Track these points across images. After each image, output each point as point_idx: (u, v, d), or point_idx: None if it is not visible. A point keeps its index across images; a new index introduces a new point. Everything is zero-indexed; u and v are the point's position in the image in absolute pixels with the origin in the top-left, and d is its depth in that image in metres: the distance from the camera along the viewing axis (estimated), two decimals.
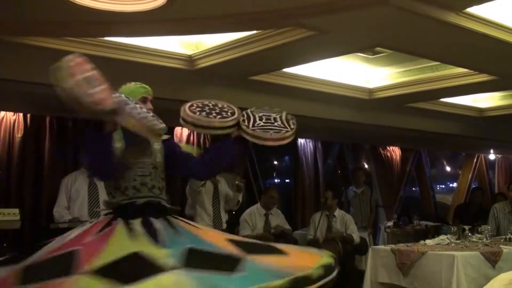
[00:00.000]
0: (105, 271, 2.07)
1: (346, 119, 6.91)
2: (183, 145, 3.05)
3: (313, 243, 6.50)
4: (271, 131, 2.83)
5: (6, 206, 5.10)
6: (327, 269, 2.37)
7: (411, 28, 4.12)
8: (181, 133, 7.03)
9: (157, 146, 2.78)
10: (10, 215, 4.55)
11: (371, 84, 6.46)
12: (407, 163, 9.99)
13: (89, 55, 4.58)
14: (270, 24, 4.16)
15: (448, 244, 5.13)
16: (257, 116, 2.93)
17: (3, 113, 5.90)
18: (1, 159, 5.83)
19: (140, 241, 2.31)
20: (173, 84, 5.33)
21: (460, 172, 11.62)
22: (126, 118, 2.51)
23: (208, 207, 5.52)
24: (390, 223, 8.43)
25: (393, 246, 5.20)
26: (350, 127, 7.21)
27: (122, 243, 2.29)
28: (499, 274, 1.25)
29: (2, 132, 5.86)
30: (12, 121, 5.94)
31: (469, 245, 5.06)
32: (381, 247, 5.62)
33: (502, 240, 5.46)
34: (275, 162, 10.24)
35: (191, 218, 5.63)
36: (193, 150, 3.07)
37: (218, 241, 2.44)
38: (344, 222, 6.58)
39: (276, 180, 10.35)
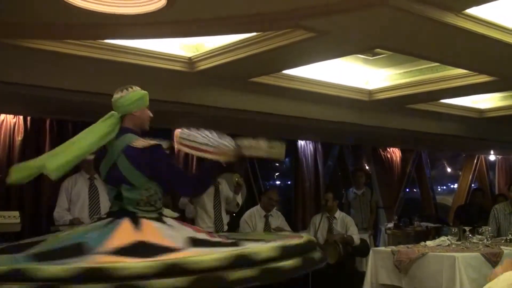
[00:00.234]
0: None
1: (346, 120, 6.91)
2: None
3: None
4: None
5: (6, 209, 5.10)
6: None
7: (410, 29, 4.12)
8: None
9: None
10: (11, 218, 4.55)
11: (371, 86, 6.46)
12: (407, 164, 9.99)
13: (89, 57, 4.65)
14: (270, 26, 4.16)
15: (448, 245, 5.13)
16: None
17: (3, 116, 5.90)
18: (1, 162, 5.83)
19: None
20: (173, 86, 5.34)
21: (460, 173, 11.62)
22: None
23: (209, 209, 5.53)
24: (391, 225, 8.43)
25: (393, 247, 5.20)
26: (350, 128, 7.21)
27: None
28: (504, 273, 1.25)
29: (2, 135, 5.86)
30: (12, 124, 5.94)
31: (470, 246, 5.06)
32: (382, 248, 5.63)
33: (503, 241, 5.47)
34: (275, 164, 10.24)
35: (192, 220, 5.63)
36: None
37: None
38: (345, 223, 6.58)
39: (276, 182, 10.35)
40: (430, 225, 8.45)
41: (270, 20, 3.93)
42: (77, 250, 2.41)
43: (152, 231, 2.59)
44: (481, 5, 3.78)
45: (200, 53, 5.05)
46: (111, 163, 2.80)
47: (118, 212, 2.76)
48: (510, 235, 5.52)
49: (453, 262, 4.49)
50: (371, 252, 5.29)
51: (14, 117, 5.95)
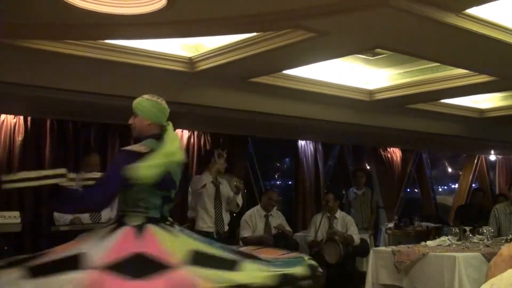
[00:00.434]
0: (193, 262, 2.51)
1: (347, 120, 6.91)
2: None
3: (314, 244, 6.51)
4: None
5: (7, 209, 5.10)
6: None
7: (411, 29, 4.12)
8: (181, 136, 7.04)
9: None
10: (11, 218, 4.54)
11: (371, 86, 6.46)
12: (407, 164, 9.99)
13: (89, 58, 4.65)
14: (270, 26, 4.16)
15: (449, 245, 5.14)
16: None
17: (3, 116, 5.90)
18: (2, 162, 5.83)
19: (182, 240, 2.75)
20: (173, 87, 5.34)
21: (460, 173, 11.61)
22: None
23: (210, 209, 5.53)
24: (391, 225, 8.43)
25: (394, 247, 5.20)
26: (350, 128, 7.21)
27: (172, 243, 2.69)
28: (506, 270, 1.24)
29: (2, 135, 5.86)
30: (12, 124, 5.94)
31: (470, 246, 5.07)
32: (382, 248, 5.63)
33: (503, 241, 5.46)
34: (276, 164, 10.24)
35: (193, 220, 5.64)
36: None
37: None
38: (345, 223, 6.59)
39: (276, 182, 10.35)
40: (431, 225, 8.45)
41: (270, 20, 3.93)
42: (75, 262, 2.47)
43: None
44: (482, 5, 3.77)
45: (200, 53, 5.04)
46: (166, 172, 2.88)
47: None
48: (510, 235, 5.52)
49: (453, 262, 4.50)
50: (371, 252, 5.29)
51: (14, 118, 5.95)
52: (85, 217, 5.20)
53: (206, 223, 5.50)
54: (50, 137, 6.12)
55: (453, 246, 5.09)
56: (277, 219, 6.51)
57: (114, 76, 5.01)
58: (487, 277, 1.38)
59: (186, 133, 7.10)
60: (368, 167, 9.66)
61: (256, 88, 5.74)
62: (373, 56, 5.63)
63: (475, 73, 5.68)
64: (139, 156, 2.81)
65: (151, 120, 3.01)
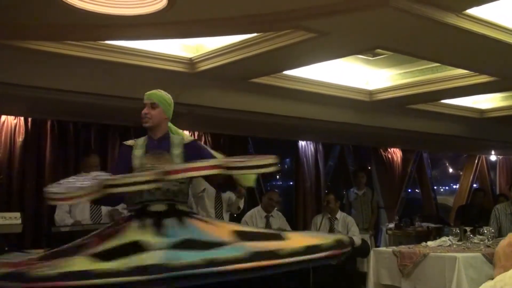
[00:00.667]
0: (101, 255, 2.42)
1: (347, 121, 6.91)
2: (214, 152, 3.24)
3: None
4: None
5: (8, 210, 5.10)
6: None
7: (411, 29, 4.12)
8: None
9: (176, 151, 3.00)
10: (12, 219, 4.54)
11: (371, 86, 6.46)
12: (408, 164, 9.98)
13: (89, 58, 4.64)
14: (270, 26, 4.16)
15: (449, 245, 5.13)
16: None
17: (4, 117, 5.90)
18: (2, 163, 5.83)
19: (146, 233, 2.63)
20: (174, 87, 5.32)
21: (461, 173, 11.61)
22: None
23: (210, 210, 5.53)
24: (392, 225, 8.43)
25: (394, 248, 5.20)
26: (351, 129, 7.21)
27: (131, 235, 2.63)
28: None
29: (3, 136, 5.86)
30: (13, 125, 5.93)
31: (471, 247, 5.06)
32: (383, 249, 5.63)
33: None
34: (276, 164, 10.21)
35: None
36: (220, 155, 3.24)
37: (221, 233, 2.69)
38: (346, 224, 6.58)
39: (277, 182, 10.34)
40: (431, 225, 8.44)
41: (271, 21, 3.93)
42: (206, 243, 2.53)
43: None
44: (482, 5, 3.78)
45: (200, 54, 5.05)
46: None
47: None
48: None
49: (454, 262, 4.49)
50: (372, 252, 5.29)
51: (15, 118, 5.95)
52: (86, 219, 5.20)
53: None
54: (50, 138, 6.12)
55: (454, 246, 5.09)
56: (278, 220, 6.50)
57: (114, 77, 5.01)
58: (495, 265, 1.38)
59: (186, 134, 7.09)
60: (368, 168, 9.66)
61: (256, 88, 5.74)
62: (373, 57, 5.63)
63: (475, 74, 5.68)
64: None
65: (168, 115, 3.11)
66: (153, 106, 3.07)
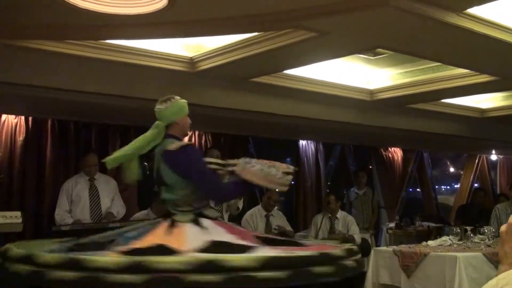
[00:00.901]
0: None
1: (348, 120, 6.91)
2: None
3: None
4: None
5: (8, 209, 5.11)
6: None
7: (411, 29, 4.11)
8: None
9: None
10: (12, 218, 4.55)
11: (372, 85, 6.45)
12: (408, 164, 9.98)
13: (90, 58, 4.65)
14: (270, 26, 4.16)
15: (450, 245, 5.13)
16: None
17: (4, 116, 5.90)
18: (3, 162, 5.83)
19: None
20: (174, 86, 5.33)
21: (462, 172, 11.61)
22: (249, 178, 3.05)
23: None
24: (392, 224, 8.43)
25: (395, 247, 5.19)
26: (351, 128, 7.21)
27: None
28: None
29: (3, 135, 5.87)
30: (13, 124, 5.94)
31: (471, 246, 5.06)
32: (383, 248, 5.62)
33: None
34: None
35: None
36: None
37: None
38: (346, 223, 6.58)
39: None
40: (432, 225, 8.44)
41: (271, 20, 3.93)
42: (102, 245, 2.67)
43: (179, 236, 2.76)
44: (482, 4, 3.77)
45: (201, 53, 5.05)
46: (156, 168, 3.04)
47: (165, 215, 3.01)
48: None
49: (454, 262, 4.49)
50: (372, 252, 5.29)
51: (15, 118, 5.96)
52: (86, 218, 5.21)
53: None
54: (51, 137, 6.13)
55: (454, 246, 5.09)
56: (278, 219, 6.50)
57: (115, 76, 5.01)
58: (502, 244, 1.36)
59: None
60: (369, 167, 9.66)
61: (257, 88, 5.74)
62: (374, 56, 5.63)
63: (476, 73, 5.68)
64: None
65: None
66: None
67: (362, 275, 2.82)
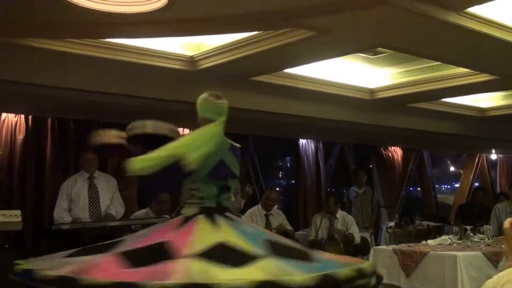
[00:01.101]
0: (205, 256, 2.47)
1: (348, 119, 6.91)
2: None
3: (315, 244, 6.50)
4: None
5: (8, 208, 5.11)
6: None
7: (412, 28, 4.11)
8: (183, 134, 7.04)
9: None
10: (12, 217, 4.55)
11: (372, 85, 6.45)
12: (408, 163, 9.98)
13: (90, 56, 4.64)
14: (271, 25, 4.16)
15: (450, 244, 5.13)
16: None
17: (4, 114, 5.90)
18: (3, 161, 5.84)
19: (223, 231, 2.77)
20: (175, 85, 5.34)
21: (461, 172, 11.61)
22: None
23: None
24: (392, 223, 8.43)
25: (394, 246, 5.20)
26: (351, 127, 7.21)
27: (206, 234, 2.72)
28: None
29: (3, 134, 5.87)
30: (13, 123, 5.94)
31: (471, 245, 5.06)
32: (383, 247, 5.63)
33: (504, 240, 5.45)
34: (277, 163, 10.23)
35: None
36: None
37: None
38: (346, 223, 6.58)
39: (277, 181, 10.35)
40: (431, 224, 8.44)
41: (271, 19, 3.93)
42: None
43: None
44: (482, 4, 3.77)
45: (201, 52, 5.04)
46: (217, 160, 3.01)
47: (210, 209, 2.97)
48: None
49: (454, 261, 4.50)
50: (372, 251, 5.29)
51: (15, 116, 5.96)
52: (86, 217, 5.21)
53: None
54: (51, 136, 6.13)
55: (454, 245, 5.09)
56: (278, 218, 6.50)
57: (115, 74, 5.01)
58: (506, 239, 1.37)
59: (186, 132, 7.09)
60: (369, 166, 9.66)
61: (257, 86, 5.74)
62: (374, 55, 5.62)
63: (476, 72, 5.67)
64: None
65: (203, 116, 3.26)
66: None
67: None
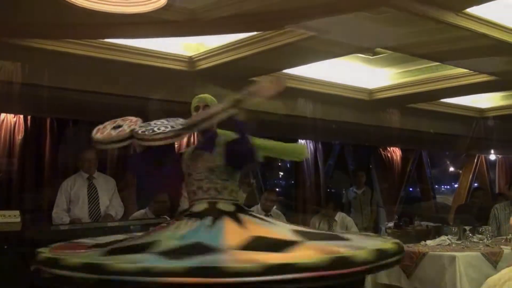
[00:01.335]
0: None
1: (347, 120, 6.91)
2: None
3: None
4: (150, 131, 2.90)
5: (7, 208, 5.10)
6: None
7: (411, 28, 4.12)
8: None
9: (218, 150, 3.13)
10: (11, 217, 4.54)
11: (371, 85, 6.46)
12: (407, 163, 9.98)
13: (89, 57, 4.64)
14: (270, 25, 4.16)
15: (449, 244, 5.13)
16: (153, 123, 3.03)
17: (3, 115, 5.90)
18: (2, 161, 5.83)
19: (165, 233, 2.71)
20: (174, 86, 5.34)
21: (460, 172, 11.61)
22: None
23: None
24: (391, 224, 8.41)
25: None
26: (350, 127, 7.21)
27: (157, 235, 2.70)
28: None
29: (2, 134, 5.86)
30: (12, 123, 5.93)
31: (470, 246, 5.06)
32: None
33: (503, 241, 5.46)
34: (276, 163, 10.22)
35: None
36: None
37: (282, 232, 2.69)
38: (345, 224, 6.58)
39: (277, 181, 10.34)
40: (431, 224, 8.42)
41: (271, 20, 3.94)
42: (201, 248, 2.44)
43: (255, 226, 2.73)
44: (481, 4, 3.78)
45: (200, 53, 5.05)
46: None
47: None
48: (510, 235, 5.51)
49: (453, 261, 4.49)
50: None
51: (14, 116, 5.95)
52: (85, 217, 5.21)
53: None
54: (50, 136, 6.12)
55: (453, 245, 5.08)
56: (277, 218, 6.49)
57: (114, 75, 5.01)
58: None
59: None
60: (369, 166, 9.66)
61: None
62: (373, 56, 5.63)
63: (474, 73, 5.69)
64: None
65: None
66: (205, 109, 3.20)
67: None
